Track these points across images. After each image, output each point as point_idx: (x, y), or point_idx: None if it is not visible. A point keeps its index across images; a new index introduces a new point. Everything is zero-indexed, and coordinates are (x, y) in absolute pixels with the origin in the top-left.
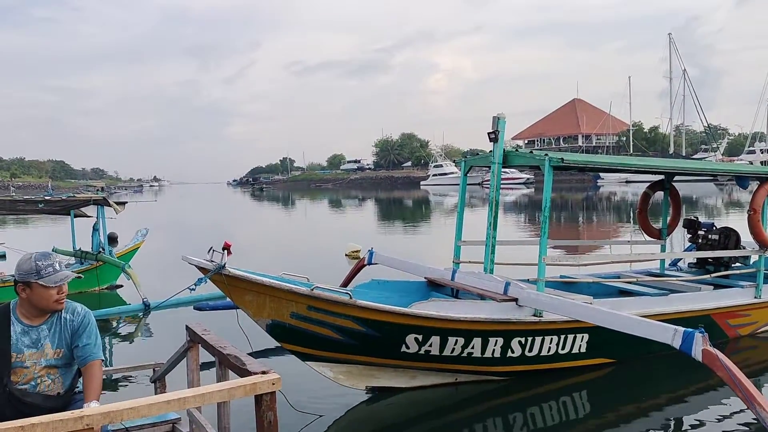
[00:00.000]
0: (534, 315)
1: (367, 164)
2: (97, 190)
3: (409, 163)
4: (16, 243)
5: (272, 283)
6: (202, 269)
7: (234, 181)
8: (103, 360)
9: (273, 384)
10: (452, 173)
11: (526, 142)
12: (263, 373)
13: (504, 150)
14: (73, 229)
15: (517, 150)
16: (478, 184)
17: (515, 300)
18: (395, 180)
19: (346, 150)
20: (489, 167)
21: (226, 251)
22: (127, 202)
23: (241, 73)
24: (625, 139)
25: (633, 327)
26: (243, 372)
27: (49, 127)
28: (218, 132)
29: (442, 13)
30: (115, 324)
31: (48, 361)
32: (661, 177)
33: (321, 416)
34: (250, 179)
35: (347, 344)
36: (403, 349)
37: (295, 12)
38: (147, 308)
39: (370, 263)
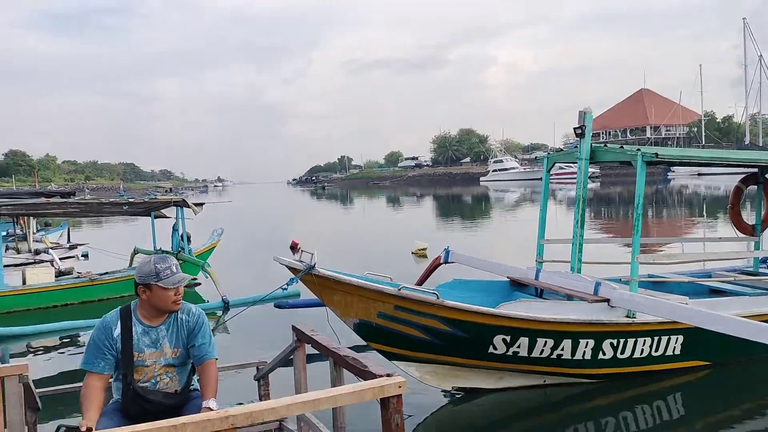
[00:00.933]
0: (627, 316)
1: (425, 161)
2: (166, 190)
3: (467, 159)
4: (97, 243)
5: (360, 283)
6: (292, 269)
7: (294, 180)
8: (217, 358)
9: (399, 387)
10: (513, 168)
11: (591, 134)
12: (387, 375)
13: (591, 145)
14: (153, 230)
15: (605, 145)
16: (540, 178)
17: (607, 300)
18: (454, 176)
19: (403, 147)
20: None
21: (312, 255)
22: (204, 203)
23: (299, 73)
24: (696, 129)
25: (739, 329)
26: (364, 374)
27: (119, 130)
28: (278, 132)
29: (501, 6)
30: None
31: (167, 360)
32: (755, 170)
33: (410, 416)
34: (310, 178)
35: (433, 344)
36: (491, 350)
37: (351, 11)
38: (226, 306)
39: (446, 262)
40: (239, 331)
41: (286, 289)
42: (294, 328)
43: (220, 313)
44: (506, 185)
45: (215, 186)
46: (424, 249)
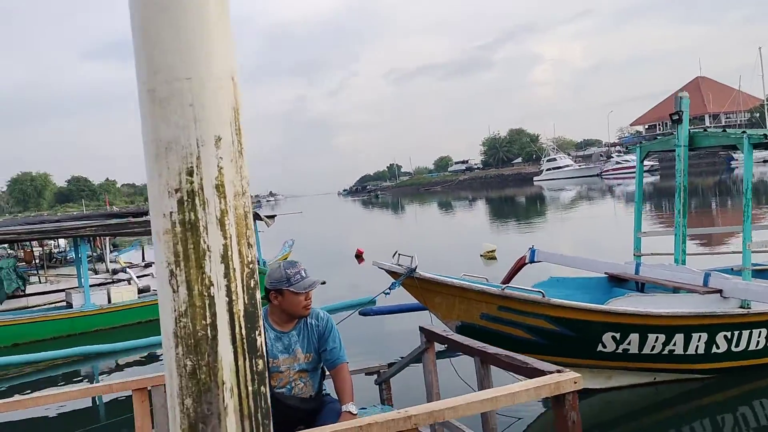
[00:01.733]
0: (741, 306)
1: (476, 164)
2: None
3: (519, 160)
4: None
5: (463, 285)
6: (393, 273)
7: (344, 190)
8: (347, 362)
9: (575, 383)
10: (567, 166)
11: (647, 127)
12: (558, 372)
13: (690, 131)
14: None
15: (705, 130)
16: (597, 175)
17: (719, 291)
18: (506, 178)
19: (452, 151)
20: (609, 157)
21: (412, 258)
22: (276, 215)
23: (344, 85)
24: (758, 115)
25: None
26: (528, 372)
27: None
28: (325, 144)
29: (542, 3)
30: None
31: (300, 365)
32: None
33: (519, 419)
34: (360, 187)
35: (539, 344)
36: (599, 348)
37: (391, 20)
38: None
39: (532, 261)
40: None
41: (388, 293)
42: (422, 329)
43: None
44: (561, 184)
45: (268, 200)
46: (492, 251)
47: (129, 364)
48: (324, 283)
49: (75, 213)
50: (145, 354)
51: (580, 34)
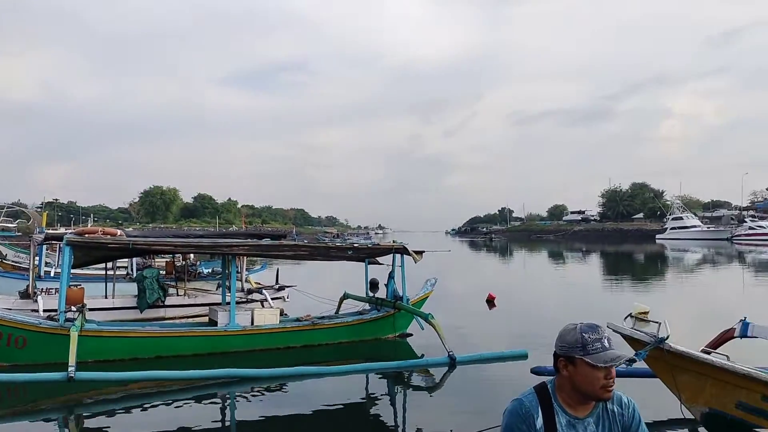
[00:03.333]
0: None
1: (592, 215)
2: (334, 236)
3: (640, 215)
4: (304, 287)
5: (725, 366)
6: (632, 341)
7: (453, 230)
8: None
9: None
10: (694, 227)
11: None
12: None
13: None
14: (366, 276)
15: None
16: (727, 239)
17: None
18: (625, 233)
19: (567, 200)
20: (741, 221)
21: (660, 325)
22: (424, 251)
23: (462, 125)
24: None
25: None
26: None
27: (290, 178)
28: (438, 182)
29: (676, 56)
30: (419, 377)
31: None
32: None
33: None
34: (470, 228)
35: None
36: None
37: (519, 63)
38: (453, 362)
39: (744, 336)
40: (467, 391)
41: (629, 365)
42: None
43: (445, 370)
44: (686, 244)
45: (376, 233)
46: (645, 312)
47: (265, 391)
48: (633, 361)
49: (226, 229)
50: (288, 383)
51: (714, 91)
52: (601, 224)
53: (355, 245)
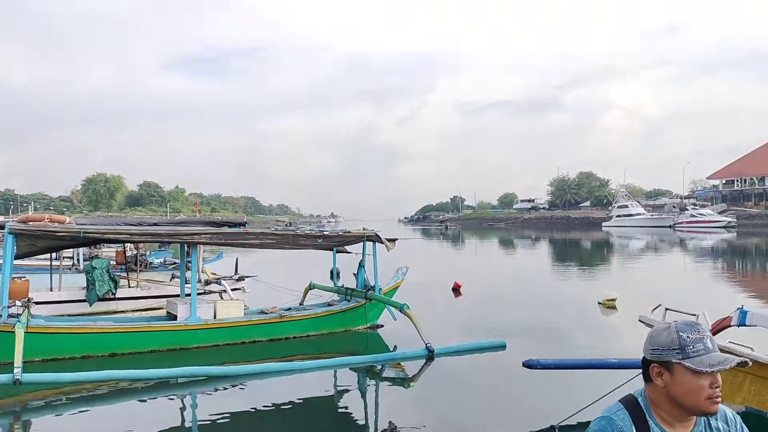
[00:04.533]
0: None
1: (541, 204)
2: (286, 224)
3: (587, 203)
4: (263, 277)
5: (761, 358)
6: None
7: (405, 218)
8: None
9: None
10: (639, 214)
11: (724, 182)
12: None
13: None
14: (334, 265)
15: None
16: (670, 226)
17: None
18: (572, 220)
19: (517, 189)
20: (683, 209)
21: (698, 316)
22: (397, 239)
23: (413, 114)
24: None
25: None
26: None
27: (241, 166)
28: (390, 171)
29: (620, 49)
30: (393, 370)
31: None
32: None
33: None
34: (423, 216)
35: None
36: None
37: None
38: (431, 354)
39: (741, 324)
40: (447, 383)
41: (744, 365)
42: None
43: (422, 362)
44: (631, 231)
45: (328, 221)
46: (613, 300)
47: (230, 390)
48: (747, 364)
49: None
50: (255, 381)
51: (656, 83)
52: (550, 212)
53: (326, 233)
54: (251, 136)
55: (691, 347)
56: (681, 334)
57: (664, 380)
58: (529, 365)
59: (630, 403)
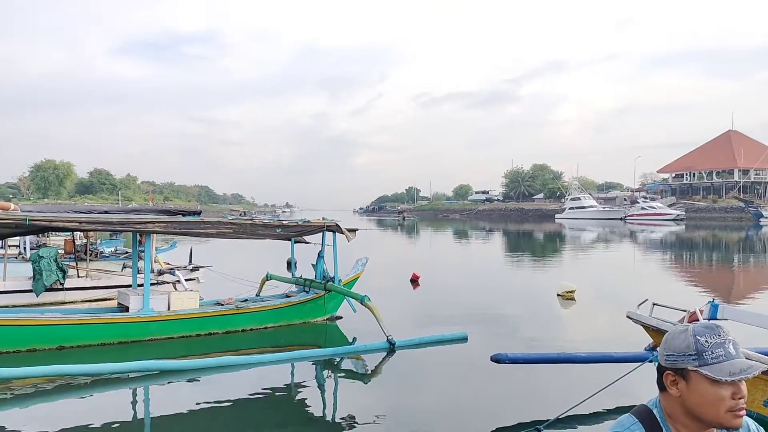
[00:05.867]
0: None
1: (496, 195)
2: (240, 213)
3: (541, 196)
4: (218, 267)
5: (761, 359)
6: (652, 331)
7: (361, 209)
8: None
9: None
10: (591, 207)
11: (674, 175)
12: None
13: None
14: (293, 254)
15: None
16: (621, 219)
17: None
18: (526, 212)
19: (471, 181)
20: (634, 201)
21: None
22: (358, 229)
23: (368, 105)
24: None
25: None
26: None
27: (194, 154)
28: (345, 162)
29: (573, 43)
30: (352, 363)
31: None
32: None
33: None
34: (378, 207)
35: None
36: None
37: (423, 45)
38: (392, 347)
39: (713, 318)
40: (409, 377)
41: (651, 355)
42: None
43: (383, 356)
44: (583, 224)
45: (283, 211)
46: (572, 291)
47: (183, 384)
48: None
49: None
50: (211, 375)
51: (608, 77)
52: (504, 204)
53: (284, 222)
54: (204, 124)
55: (710, 353)
56: (698, 338)
57: (680, 390)
58: (497, 359)
59: (644, 416)
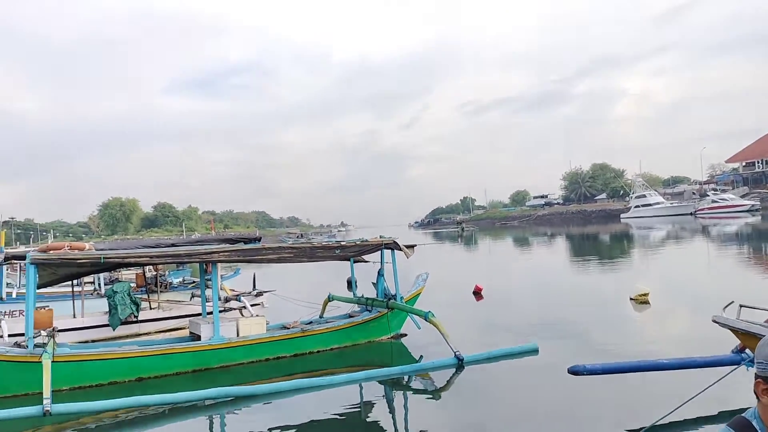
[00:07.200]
0: None
1: (555, 199)
2: (298, 236)
3: (603, 196)
4: (280, 290)
5: None
6: (741, 334)
7: (416, 222)
8: None
9: None
10: (658, 203)
11: (744, 164)
12: None
13: None
14: (353, 274)
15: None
16: (690, 214)
17: None
18: (588, 214)
19: (528, 185)
20: (704, 195)
21: None
22: (416, 245)
23: (416, 118)
24: None
25: None
26: None
27: (248, 181)
28: (397, 176)
29: (624, 37)
30: (421, 381)
31: None
32: None
33: None
34: (434, 219)
35: None
36: None
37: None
38: (460, 363)
39: None
40: (480, 393)
41: (742, 359)
42: None
43: (452, 372)
44: (651, 222)
45: (339, 230)
46: (645, 294)
47: (256, 408)
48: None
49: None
50: (283, 398)
51: (664, 69)
52: (565, 207)
53: (343, 243)
54: (255, 150)
55: None
56: None
57: None
58: (574, 372)
59: (743, 429)
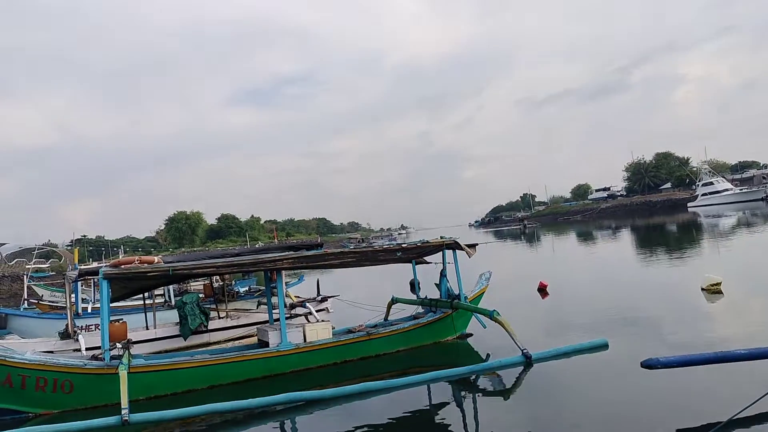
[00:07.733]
0: None
1: (618, 191)
2: (359, 240)
3: (668, 185)
4: (344, 295)
5: None
6: None
7: (476, 221)
8: None
9: None
10: (726, 190)
11: None
12: None
13: None
14: (415, 275)
15: None
16: (762, 199)
17: None
18: (653, 205)
19: (589, 178)
20: None
21: None
22: (477, 244)
23: (471, 116)
24: None
25: None
26: None
27: (307, 188)
28: (454, 176)
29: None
30: (488, 380)
31: None
32: None
33: None
34: (494, 218)
35: None
36: None
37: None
38: (528, 360)
39: None
40: (550, 390)
41: None
42: None
43: (520, 370)
44: (720, 209)
45: (399, 233)
46: (717, 284)
47: (326, 412)
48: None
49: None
50: (352, 401)
51: (725, 52)
52: (629, 199)
53: (404, 245)
54: (313, 157)
55: None
56: None
57: None
58: (648, 365)
59: None
